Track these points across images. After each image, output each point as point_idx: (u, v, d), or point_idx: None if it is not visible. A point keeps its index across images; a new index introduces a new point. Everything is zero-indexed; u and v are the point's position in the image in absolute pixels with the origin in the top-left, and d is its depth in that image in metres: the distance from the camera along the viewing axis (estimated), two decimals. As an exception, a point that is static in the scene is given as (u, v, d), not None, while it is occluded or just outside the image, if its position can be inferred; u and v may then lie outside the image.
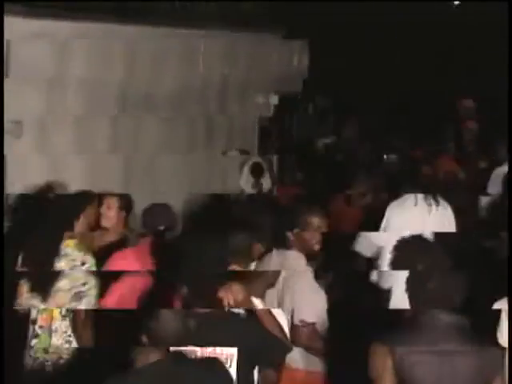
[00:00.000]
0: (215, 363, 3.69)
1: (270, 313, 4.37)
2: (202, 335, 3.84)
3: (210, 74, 9.23)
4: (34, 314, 4.82)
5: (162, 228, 5.28)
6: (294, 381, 4.86)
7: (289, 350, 4.35)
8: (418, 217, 5.44)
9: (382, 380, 3.51)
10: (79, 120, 7.64)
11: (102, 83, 7.74)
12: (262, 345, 4.04)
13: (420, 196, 5.55)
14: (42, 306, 4.79)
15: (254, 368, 4.12)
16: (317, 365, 4.93)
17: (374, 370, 3.54)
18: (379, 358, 3.52)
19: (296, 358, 4.70)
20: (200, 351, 3.86)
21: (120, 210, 5.70)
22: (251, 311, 4.26)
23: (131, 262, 5.05)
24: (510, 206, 5.90)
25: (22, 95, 6.91)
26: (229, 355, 3.87)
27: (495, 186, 7.38)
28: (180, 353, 3.76)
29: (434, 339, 3.50)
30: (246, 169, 9.42)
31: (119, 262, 5.08)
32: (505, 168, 7.49)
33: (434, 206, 5.53)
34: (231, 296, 4.09)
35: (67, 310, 4.79)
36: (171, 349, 3.69)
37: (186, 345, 3.79)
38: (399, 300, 4.05)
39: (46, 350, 4.79)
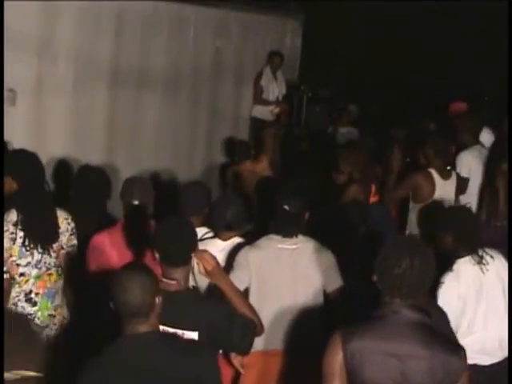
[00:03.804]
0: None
1: (240, 293, 4.37)
2: (167, 314, 3.75)
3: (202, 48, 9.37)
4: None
5: (136, 202, 5.10)
6: (254, 363, 4.91)
7: (259, 332, 4.22)
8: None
9: (330, 371, 3.47)
10: (70, 89, 7.74)
11: (92, 54, 7.83)
12: (229, 327, 3.90)
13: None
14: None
15: (217, 352, 4.04)
16: (276, 344, 4.98)
17: (325, 358, 3.50)
18: (332, 348, 3.49)
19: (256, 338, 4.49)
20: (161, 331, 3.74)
21: None
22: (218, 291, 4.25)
23: (107, 244, 5.02)
24: (510, 205, 5.88)
25: (14, 63, 6.93)
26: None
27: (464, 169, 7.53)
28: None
29: (392, 337, 3.44)
30: None
31: (96, 243, 5.06)
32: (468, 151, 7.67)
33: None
34: (201, 264, 4.11)
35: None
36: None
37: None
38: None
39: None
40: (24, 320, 2.93)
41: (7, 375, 2.62)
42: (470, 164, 7.54)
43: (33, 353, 2.74)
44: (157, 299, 3.50)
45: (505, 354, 4.84)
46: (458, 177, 7.27)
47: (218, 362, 3.71)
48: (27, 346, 2.75)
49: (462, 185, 7.33)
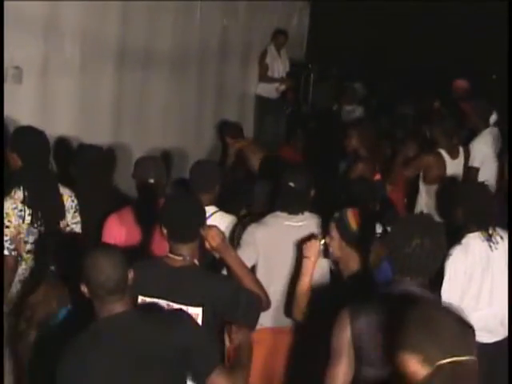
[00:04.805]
0: (182, 317, 3.55)
1: (247, 268, 4.35)
2: (171, 290, 3.81)
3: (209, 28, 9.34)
4: None
5: (151, 181, 5.12)
6: (263, 339, 4.90)
7: (266, 307, 4.23)
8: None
9: (338, 348, 3.48)
10: (77, 68, 7.68)
11: (99, 34, 7.78)
12: (235, 302, 3.89)
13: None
14: None
15: (223, 327, 4.05)
16: (285, 322, 4.95)
17: (333, 335, 3.51)
18: (340, 325, 3.49)
19: (264, 314, 4.42)
20: (166, 307, 3.80)
21: None
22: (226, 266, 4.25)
23: (116, 224, 5.02)
24: (510, 204, 5.88)
25: (20, 41, 6.89)
26: (194, 314, 3.75)
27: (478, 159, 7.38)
28: (147, 305, 3.75)
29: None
30: None
31: (106, 226, 5.05)
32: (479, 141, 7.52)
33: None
34: (209, 239, 4.10)
35: None
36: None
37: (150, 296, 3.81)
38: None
39: None
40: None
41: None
42: (484, 152, 7.37)
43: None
44: (129, 273, 3.43)
45: (506, 332, 4.86)
46: (466, 153, 7.23)
47: (208, 331, 3.68)
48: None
49: (471, 175, 7.24)
